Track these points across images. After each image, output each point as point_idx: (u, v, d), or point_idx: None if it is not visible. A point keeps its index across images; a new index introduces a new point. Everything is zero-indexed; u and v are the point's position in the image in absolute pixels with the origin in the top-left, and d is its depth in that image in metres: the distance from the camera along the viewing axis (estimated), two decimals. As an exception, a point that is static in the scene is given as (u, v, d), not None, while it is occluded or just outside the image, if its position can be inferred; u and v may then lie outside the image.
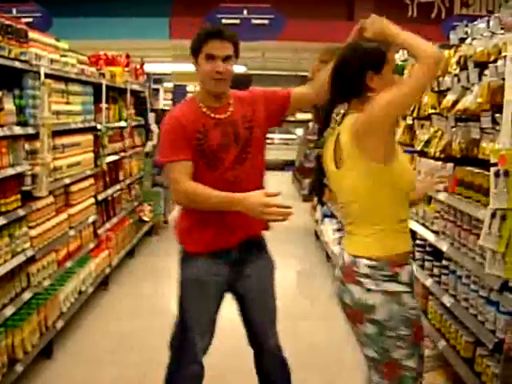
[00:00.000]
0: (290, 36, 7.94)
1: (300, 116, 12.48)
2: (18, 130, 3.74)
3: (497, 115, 2.79)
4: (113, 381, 3.87)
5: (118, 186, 6.09)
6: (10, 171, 3.67)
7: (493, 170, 2.47)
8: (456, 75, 3.30)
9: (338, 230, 6.26)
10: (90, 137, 5.23)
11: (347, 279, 2.25)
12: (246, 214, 2.45)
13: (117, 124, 5.99)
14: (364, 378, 2.47)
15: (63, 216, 4.60)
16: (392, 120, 2.20)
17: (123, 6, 8.94)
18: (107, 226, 5.72)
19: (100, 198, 5.48)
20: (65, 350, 4.26)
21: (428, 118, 3.88)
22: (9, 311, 3.62)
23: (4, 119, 3.58)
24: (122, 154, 6.19)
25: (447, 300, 3.15)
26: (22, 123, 3.86)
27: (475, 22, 3.24)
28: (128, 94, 6.27)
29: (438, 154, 3.57)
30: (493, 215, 2.48)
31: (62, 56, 4.56)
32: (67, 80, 4.68)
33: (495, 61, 2.89)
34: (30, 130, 3.91)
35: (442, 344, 3.19)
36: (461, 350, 3.02)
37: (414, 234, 3.85)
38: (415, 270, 3.67)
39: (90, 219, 5.21)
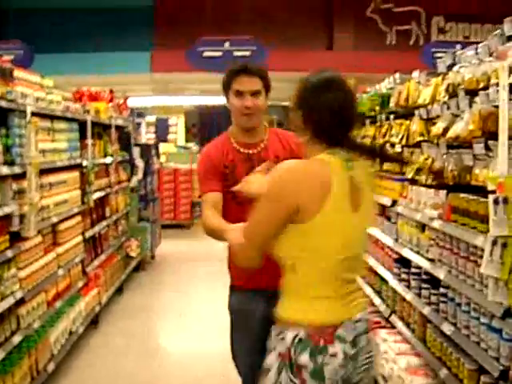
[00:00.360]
0: (272, 67, 7.98)
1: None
2: (5, 170, 3.68)
3: (490, 142, 2.80)
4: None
5: (104, 223, 6.02)
6: (-1, 212, 3.61)
7: (491, 197, 2.48)
8: (445, 103, 3.32)
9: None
10: (76, 174, 5.18)
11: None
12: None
13: (102, 160, 5.94)
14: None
15: (51, 255, 4.52)
16: None
17: (105, 41, 8.97)
18: (95, 263, 5.63)
19: (88, 235, 5.42)
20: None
21: (417, 145, 3.90)
22: (-1, 355, 3.53)
23: (-7, 159, 3.53)
24: (108, 189, 6.14)
25: (447, 328, 3.12)
26: (9, 163, 3.81)
27: (464, 50, 3.27)
28: (113, 130, 6.24)
29: (429, 181, 3.58)
30: (494, 243, 2.47)
31: (47, 94, 4.54)
32: (52, 117, 4.65)
33: (485, 88, 2.92)
34: (17, 170, 3.86)
35: (444, 373, 3.15)
36: (464, 379, 2.98)
37: (408, 262, 3.86)
38: (411, 298, 3.68)
39: (78, 258, 5.13)
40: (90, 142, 5.40)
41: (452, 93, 3.32)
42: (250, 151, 2.73)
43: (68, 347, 4.58)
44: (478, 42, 8.34)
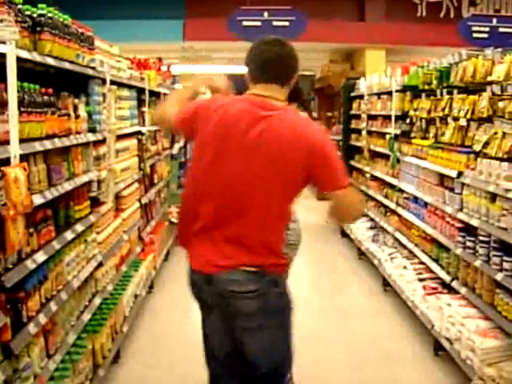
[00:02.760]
0: (307, 37, 8.06)
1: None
2: (90, 137, 3.81)
3: None
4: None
5: (154, 190, 6.16)
6: (84, 178, 3.74)
7: None
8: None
9: (371, 227, 6.41)
10: (134, 141, 5.31)
11: None
12: None
13: (153, 127, 6.06)
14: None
15: (118, 221, 4.67)
16: None
17: (134, 8, 8.96)
18: (148, 229, 5.79)
19: (143, 201, 5.56)
20: (132, 354, 4.35)
21: (484, 119, 4.04)
22: (85, 317, 3.70)
23: (80, 126, 3.64)
24: (157, 157, 6.26)
25: (525, 293, 3.32)
26: (91, 130, 3.93)
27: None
28: (162, 97, 6.34)
29: (500, 154, 3.72)
30: None
31: (117, 62, 4.63)
32: (119, 85, 4.75)
33: None
34: (100, 136, 3.98)
35: (520, 335, 3.36)
36: (543, 341, 3.19)
37: (474, 230, 4.03)
38: (480, 265, 3.87)
39: (137, 223, 5.29)
40: (147, 109, 5.50)
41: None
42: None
43: (135, 310, 4.77)
44: (510, 16, 8.46)
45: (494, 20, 7.71)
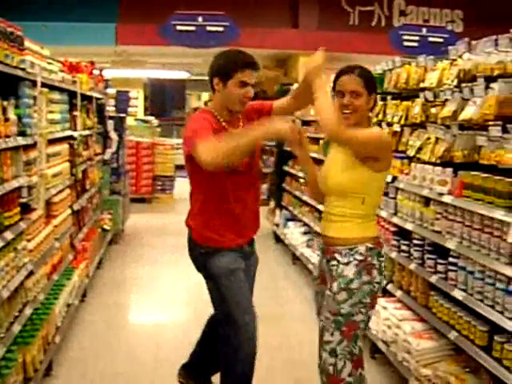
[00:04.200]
0: (243, 43, 8.06)
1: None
2: (20, 141, 3.66)
3: (508, 125, 3.08)
4: None
5: (86, 196, 5.99)
6: (14, 184, 3.59)
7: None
8: (458, 87, 3.57)
9: (305, 232, 6.46)
10: (66, 146, 5.14)
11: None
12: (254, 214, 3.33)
13: (85, 132, 5.90)
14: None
15: (49, 228, 4.51)
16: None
17: (67, 12, 8.72)
18: (80, 236, 5.62)
19: (75, 208, 5.39)
20: (64, 366, 4.19)
21: (417, 125, 4.15)
22: (16, 328, 3.54)
23: (10, 129, 3.49)
24: (89, 162, 6.10)
25: (458, 294, 3.41)
26: (21, 133, 3.77)
27: (482, 40, 3.48)
28: (93, 102, 6.18)
29: (433, 159, 3.83)
30: (523, 215, 2.75)
31: (48, 64, 4.48)
32: (50, 88, 4.59)
33: (500, 76, 3.19)
34: (30, 140, 3.83)
35: (454, 335, 3.45)
36: (475, 339, 3.28)
37: (409, 234, 4.13)
38: (414, 268, 3.96)
39: (69, 230, 5.12)
40: (78, 113, 5.35)
41: (463, 78, 3.58)
42: (233, 128, 3.12)
43: (68, 320, 4.61)
44: (438, 26, 8.76)
45: (424, 29, 7.99)
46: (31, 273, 3.90)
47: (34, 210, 4.04)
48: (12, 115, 3.56)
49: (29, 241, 3.93)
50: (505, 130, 3.13)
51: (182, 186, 11.97)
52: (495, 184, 3.14)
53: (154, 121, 11.55)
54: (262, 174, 3.17)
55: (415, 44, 7.92)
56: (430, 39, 7.97)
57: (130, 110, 10.94)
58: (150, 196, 10.87)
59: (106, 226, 6.96)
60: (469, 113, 3.43)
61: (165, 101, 14.39)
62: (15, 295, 3.62)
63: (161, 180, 10.81)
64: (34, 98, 3.97)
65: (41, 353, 3.82)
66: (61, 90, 4.95)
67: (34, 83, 3.96)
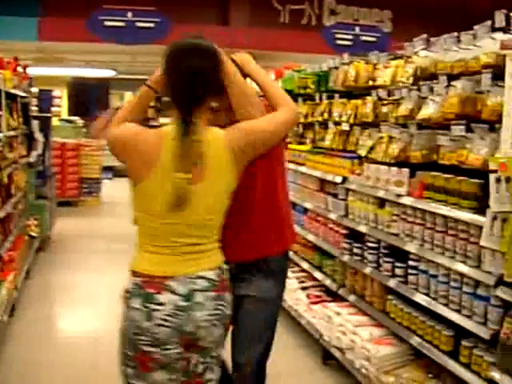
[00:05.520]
0: (173, 40, 7.78)
1: (165, 120, 12.32)
2: None
3: (473, 124, 3.00)
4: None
5: (12, 201, 5.54)
6: None
7: (493, 176, 2.65)
8: (415, 85, 3.47)
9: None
10: (-11, 148, 4.72)
11: (223, 290, 2.27)
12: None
13: (9, 133, 5.45)
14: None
15: (-26, 238, 4.10)
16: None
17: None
18: (7, 245, 5.18)
19: (1, 215, 4.95)
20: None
21: (367, 124, 4.05)
22: None
23: None
24: (14, 165, 5.65)
25: (421, 298, 3.31)
26: None
27: (441, 37, 3.39)
28: (18, 101, 5.73)
29: (387, 159, 3.72)
30: (494, 218, 2.66)
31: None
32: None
33: (461, 74, 3.11)
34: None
35: (416, 340, 3.35)
36: (440, 345, 3.19)
37: (361, 236, 4.01)
38: (369, 272, 3.85)
39: (-5, 240, 4.70)
40: (3, 113, 4.92)
41: (420, 76, 3.50)
42: None
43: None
44: (371, 25, 8.81)
45: (357, 28, 7.98)
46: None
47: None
48: None
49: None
50: (468, 129, 3.06)
51: (109, 189, 11.55)
52: (459, 185, 3.06)
53: (79, 121, 11.04)
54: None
55: (348, 43, 7.90)
56: (363, 38, 7.97)
57: (53, 109, 10.36)
58: (76, 199, 10.36)
59: (32, 233, 6.49)
60: (428, 111, 3.34)
61: (88, 100, 13.78)
62: None
63: (87, 182, 10.30)
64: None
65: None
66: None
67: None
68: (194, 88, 2.15)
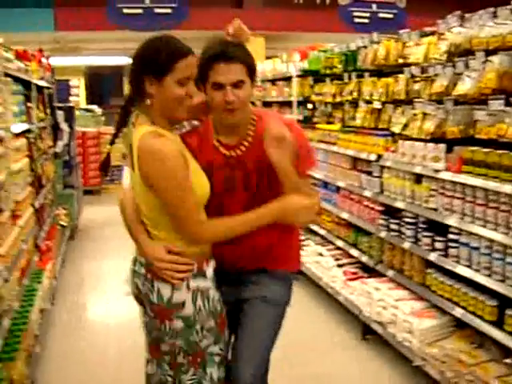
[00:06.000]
0: (189, 25, 7.81)
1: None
2: (-12, 137, 3.34)
3: (511, 98, 3.04)
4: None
5: (44, 192, 5.63)
6: (-15, 184, 3.28)
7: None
8: (450, 61, 3.50)
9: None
10: (24, 140, 4.78)
11: (155, 277, 2.21)
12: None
13: (39, 125, 5.52)
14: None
15: (16, 229, 4.17)
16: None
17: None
18: (42, 235, 5.28)
19: (37, 205, 5.04)
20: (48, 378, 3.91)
21: (400, 102, 4.08)
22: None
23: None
24: (44, 156, 5.73)
25: (463, 271, 3.37)
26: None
27: (477, 13, 3.41)
28: (44, 92, 5.79)
29: (422, 135, 3.76)
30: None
31: (5, 51, 4.11)
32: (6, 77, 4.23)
33: (498, 49, 3.14)
34: (-4, 136, 3.51)
35: (460, 312, 3.42)
36: (484, 315, 3.26)
37: (398, 212, 4.07)
38: (408, 247, 3.91)
39: (33, 230, 4.78)
40: (34, 105, 4.99)
41: (454, 52, 3.52)
42: (229, 153, 2.34)
43: (44, 326, 4.32)
44: (388, 2, 8.67)
45: (374, 6, 7.94)
46: (5, 280, 3.60)
47: (1, 211, 3.72)
48: (-23, 109, 3.24)
49: (0, 246, 3.61)
50: (507, 103, 3.09)
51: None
52: (500, 158, 3.10)
53: (98, 109, 11.11)
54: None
55: (366, 20, 7.88)
56: (381, 15, 7.95)
57: (71, 99, 10.44)
58: (98, 187, 10.46)
59: (62, 222, 6.59)
60: (464, 87, 3.37)
61: (103, 88, 13.85)
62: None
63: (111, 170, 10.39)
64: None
65: (25, 367, 3.53)
66: (15, 80, 4.58)
67: (-6, 73, 3.63)
68: None
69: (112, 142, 2.34)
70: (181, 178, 2.09)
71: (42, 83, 5.87)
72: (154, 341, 2.31)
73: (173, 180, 2.08)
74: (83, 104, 12.35)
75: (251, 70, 2.27)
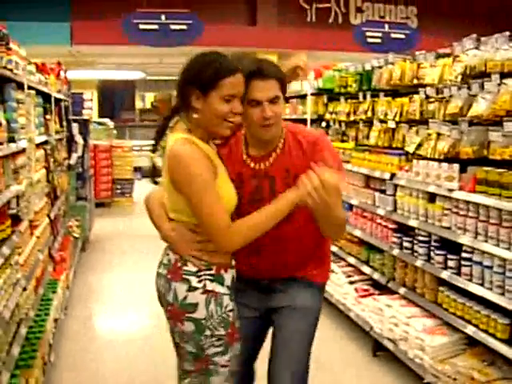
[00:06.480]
0: (204, 42, 7.91)
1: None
2: (12, 147, 3.41)
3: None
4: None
5: (58, 203, 5.70)
6: (7, 194, 3.33)
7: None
8: (466, 83, 3.57)
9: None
10: (42, 151, 4.87)
11: (174, 278, 2.27)
12: None
13: (56, 136, 5.62)
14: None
15: (34, 239, 4.24)
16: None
17: (19, 11, 8.26)
18: (56, 246, 5.34)
19: (52, 216, 5.12)
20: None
21: (414, 122, 4.15)
22: (15, 351, 3.28)
23: (2, 136, 3.24)
24: (59, 168, 5.81)
25: (475, 289, 3.41)
26: (10, 139, 3.51)
27: (493, 36, 3.48)
28: (62, 104, 5.89)
29: (436, 155, 3.82)
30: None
31: (28, 64, 4.21)
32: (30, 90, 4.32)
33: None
34: (21, 146, 3.59)
35: (472, 329, 3.45)
36: (496, 333, 3.29)
37: (411, 230, 4.11)
38: (420, 264, 3.95)
39: (49, 240, 4.85)
40: (53, 117, 5.08)
41: (469, 74, 3.59)
42: (258, 166, 2.41)
43: (58, 336, 4.36)
44: (400, 23, 8.83)
45: (386, 26, 8.04)
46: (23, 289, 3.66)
47: (21, 221, 3.79)
48: (3, 120, 3.31)
49: (19, 254, 3.68)
50: (521, 125, 3.15)
51: (141, 189, 11.70)
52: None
53: (110, 123, 11.23)
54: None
55: (379, 40, 7.97)
56: (393, 35, 8.04)
57: (84, 112, 10.53)
58: (109, 200, 10.55)
59: (74, 234, 6.66)
60: (479, 109, 3.44)
61: (115, 102, 14.02)
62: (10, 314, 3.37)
63: (120, 183, 10.50)
64: (17, 100, 3.72)
65: (41, 375, 3.58)
66: (37, 93, 4.68)
67: (18, 85, 3.71)
68: None
69: (154, 150, 2.41)
70: (205, 184, 2.15)
71: (60, 96, 5.97)
72: (175, 344, 2.39)
73: (197, 185, 2.14)
74: (95, 117, 12.48)
75: (283, 86, 2.34)
